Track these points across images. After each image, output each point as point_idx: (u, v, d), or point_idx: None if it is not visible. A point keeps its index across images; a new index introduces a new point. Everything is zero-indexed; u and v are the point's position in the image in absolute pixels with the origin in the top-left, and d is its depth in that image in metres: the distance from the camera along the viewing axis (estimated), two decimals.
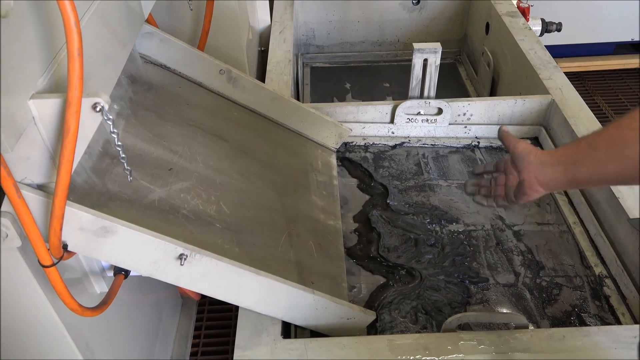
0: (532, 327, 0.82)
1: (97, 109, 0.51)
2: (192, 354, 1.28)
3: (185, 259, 0.64)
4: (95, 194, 0.67)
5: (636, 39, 2.07)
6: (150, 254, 0.64)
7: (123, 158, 0.58)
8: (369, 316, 0.75)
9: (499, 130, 0.76)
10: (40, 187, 0.58)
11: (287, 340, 0.72)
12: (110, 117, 0.52)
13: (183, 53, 0.96)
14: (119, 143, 0.56)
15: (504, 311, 0.84)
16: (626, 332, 0.72)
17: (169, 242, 0.63)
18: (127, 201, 0.70)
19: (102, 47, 0.70)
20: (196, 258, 0.65)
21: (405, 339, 0.72)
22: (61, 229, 0.56)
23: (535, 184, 0.67)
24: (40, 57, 0.54)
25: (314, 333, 0.78)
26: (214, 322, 1.38)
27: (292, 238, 0.85)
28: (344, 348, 0.71)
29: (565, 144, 0.69)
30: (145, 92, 0.89)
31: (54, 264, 0.58)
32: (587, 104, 1.14)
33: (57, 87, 0.56)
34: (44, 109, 0.52)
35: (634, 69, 2.16)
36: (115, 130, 0.54)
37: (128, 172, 0.62)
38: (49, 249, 0.58)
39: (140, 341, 1.01)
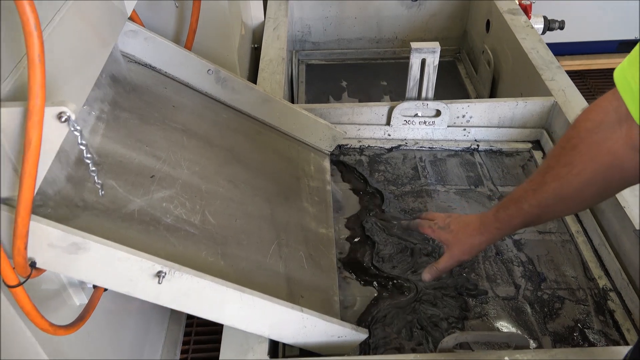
0: (534, 344, 0.78)
1: (63, 119, 0.47)
2: None
3: (164, 277, 0.60)
4: (68, 205, 0.62)
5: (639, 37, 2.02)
6: (126, 271, 0.59)
7: (93, 171, 0.54)
8: (361, 334, 0.71)
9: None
10: (6, 201, 0.54)
11: None
12: (78, 127, 0.48)
13: (169, 52, 0.92)
14: (88, 155, 0.51)
15: (504, 329, 0.80)
16: None
17: (146, 258, 0.59)
18: (103, 212, 0.65)
19: (79, 46, 0.66)
20: (176, 275, 0.60)
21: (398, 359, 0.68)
22: (26, 248, 0.51)
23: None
24: (3, 62, 0.49)
25: (303, 351, 0.74)
26: (205, 327, 1.34)
27: (281, 248, 0.81)
28: None
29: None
30: (128, 93, 0.84)
31: (20, 284, 0.54)
32: (589, 103, 1.10)
33: (23, 94, 0.51)
34: (5, 118, 0.48)
35: None
36: (84, 142, 0.49)
37: (99, 187, 0.57)
38: (14, 268, 0.53)
39: (126, 350, 0.97)
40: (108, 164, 0.72)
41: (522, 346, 0.70)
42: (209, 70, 0.94)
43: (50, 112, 0.46)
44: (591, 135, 0.56)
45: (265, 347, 0.69)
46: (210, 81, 0.95)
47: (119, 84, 0.84)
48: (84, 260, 0.57)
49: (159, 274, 0.60)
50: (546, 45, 1.24)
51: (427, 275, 0.79)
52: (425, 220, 0.82)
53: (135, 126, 0.80)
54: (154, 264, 0.59)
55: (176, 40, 1.08)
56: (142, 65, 0.91)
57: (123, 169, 0.73)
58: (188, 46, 1.04)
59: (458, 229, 0.75)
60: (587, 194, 0.59)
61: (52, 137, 0.48)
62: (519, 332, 0.79)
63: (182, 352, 1.28)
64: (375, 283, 0.86)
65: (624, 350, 0.69)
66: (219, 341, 0.70)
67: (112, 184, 0.70)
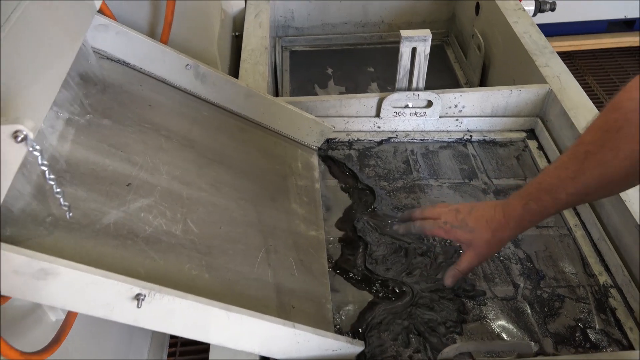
0: (536, 348, 0.75)
1: (19, 138, 0.42)
2: None
3: (143, 300, 0.55)
4: (36, 223, 0.57)
5: (629, 16, 1.98)
6: (101, 295, 0.55)
7: (58, 193, 0.48)
8: (357, 347, 0.68)
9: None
10: None
11: None
12: (37, 147, 0.42)
13: (144, 47, 0.86)
14: (52, 176, 0.46)
15: (504, 332, 0.77)
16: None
17: (122, 281, 0.54)
18: (75, 229, 0.60)
19: (43, 44, 0.60)
20: (156, 297, 0.56)
21: None
22: None
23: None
24: None
25: None
26: None
27: (269, 255, 0.77)
28: None
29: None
30: (100, 93, 0.79)
31: None
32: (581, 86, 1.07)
33: None
34: None
35: (626, 47, 2.08)
36: (45, 163, 0.44)
37: (66, 208, 0.52)
38: None
39: (110, 356, 0.93)
40: (79, 173, 0.67)
41: (526, 354, 0.67)
42: (187, 65, 0.88)
43: (4, 131, 0.41)
44: (638, 115, 0.53)
45: None
46: (189, 77, 0.89)
47: (90, 83, 0.78)
48: (53, 285, 0.52)
49: (138, 297, 0.55)
50: (539, 29, 1.19)
51: (449, 279, 0.76)
52: (429, 220, 0.78)
53: (108, 129, 0.75)
54: (132, 287, 0.54)
55: (151, 34, 1.02)
56: (115, 61, 0.85)
57: (96, 178, 0.67)
58: (164, 40, 0.98)
59: (479, 226, 0.71)
60: (634, 177, 0.56)
61: (8, 158, 0.43)
62: (521, 338, 0.76)
63: (170, 354, 1.24)
64: (369, 287, 0.83)
65: (632, 356, 0.66)
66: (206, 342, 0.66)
67: (83, 195, 0.64)
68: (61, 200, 0.51)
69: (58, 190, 0.49)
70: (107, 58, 0.85)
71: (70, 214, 0.55)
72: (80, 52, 0.74)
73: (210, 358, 0.66)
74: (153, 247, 0.66)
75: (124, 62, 0.86)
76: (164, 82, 0.89)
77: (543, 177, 0.65)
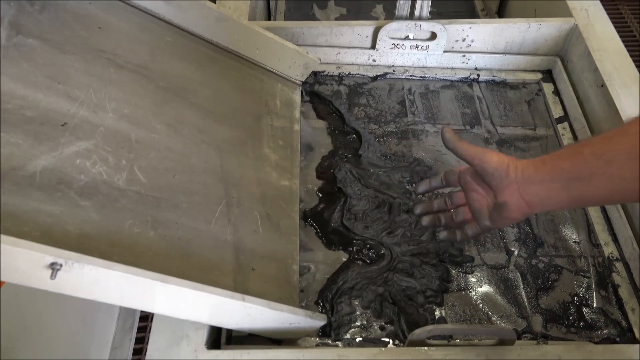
0: (523, 323, 0.67)
1: None
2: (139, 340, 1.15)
3: (59, 270, 0.47)
4: None
5: None
6: (11, 262, 0.47)
7: None
8: (318, 321, 0.60)
9: (445, 136, 0.61)
10: None
11: (212, 353, 0.58)
12: None
13: None
14: None
15: (487, 306, 0.69)
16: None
17: (33, 249, 0.46)
18: None
19: None
20: (75, 267, 0.48)
21: (360, 355, 0.57)
22: None
23: (522, 205, 0.52)
24: None
25: (253, 335, 0.63)
26: None
27: (231, 209, 0.68)
28: None
29: (555, 152, 0.52)
30: (38, 12, 0.67)
31: None
32: (609, 15, 0.92)
33: None
34: None
35: None
36: None
37: None
38: None
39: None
40: (3, 111, 0.57)
41: (508, 340, 0.59)
42: None
43: None
44: None
45: (202, 336, 0.58)
46: None
47: None
48: None
49: (53, 267, 0.47)
50: None
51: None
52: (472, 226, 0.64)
53: (44, 57, 0.63)
54: (44, 256, 0.46)
55: None
56: None
57: (22, 117, 0.57)
58: None
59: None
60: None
61: None
62: (508, 314, 0.69)
63: (140, 329, 1.17)
64: (343, 246, 0.74)
65: (629, 350, 0.58)
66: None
67: (5, 138, 0.55)
68: None
69: None
70: None
71: None
72: None
73: (153, 327, 0.59)
74: (89, 199, 0.57)
75: None
76: None
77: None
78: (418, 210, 0.71)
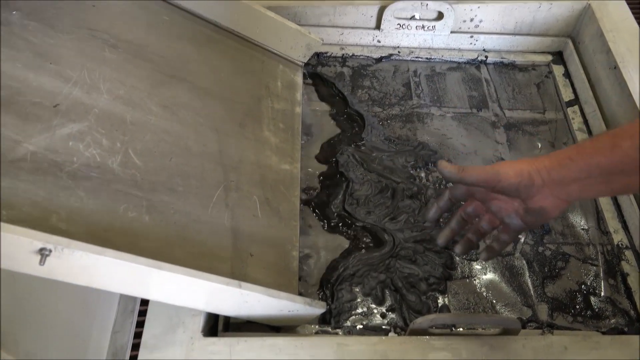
0: (528, 311, 0.66)
1: None
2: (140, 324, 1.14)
3: (48, 255, 0.46)
4: None
5: None
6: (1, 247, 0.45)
7: None
8: (317, 309, 0.59)
9: (444, 171, 0.54)
10: None
11: (209, 340, 0.56)
12: None
13: None
14: None
15: (491, 294, 0.67)
16: None
17: (21, 235, 0.44)
18: None
19: None
20: (65, 253, 0.46)
21: (359, 343, 0.56)
22: None
23: (558, 204, 0.50)
24: None
25: (251, 322, 0.62)
26: None
27: (229, 194, 0.66)
28: (279, 353, 0.55)
29: (579, 145, 0.49)
30: None
31: None
32: (634, 13, 0.89)
33: None
34: None
35: None
36: None
37: None
38: None
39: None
40: None
41: (512, 330, 0.57)
42: None
43: None
44: None
45: (198, 323, 0.57)
46: None
47: None
48: None
49: (42, 252, 0.45)
50: None
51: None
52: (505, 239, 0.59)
53: (36, 35, 0.61)
54: (32, 241, 0.45)
55: None
56: None
57: (13, 98, 0.56)
58: None
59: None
60: None
61: None
62: (513, 302, 0.67)
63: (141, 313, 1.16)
64: (345, 232, 0.73)
65: (637, 339, 0.56)
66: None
67: None
68: None
69: None
70: None
71: None
72: None
73: (148, 313, 0.58)
74: (81, 183, 0.55)
75: None
76: None
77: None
78: (442, 240, 0.61)
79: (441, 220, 0.62)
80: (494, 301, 0.67)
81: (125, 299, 1.15)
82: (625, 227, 0.73)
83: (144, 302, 1.17)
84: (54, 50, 0.62)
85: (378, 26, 0.90)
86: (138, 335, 1.13)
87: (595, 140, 0.48)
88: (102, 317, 1.09)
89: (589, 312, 0.67)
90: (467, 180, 0.53)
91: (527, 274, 0.70)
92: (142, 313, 1.15)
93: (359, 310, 0.66)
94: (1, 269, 0.48)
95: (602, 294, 0.68)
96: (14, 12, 0.61)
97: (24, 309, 0.83)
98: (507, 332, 0.57)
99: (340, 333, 0.63)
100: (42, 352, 0.79)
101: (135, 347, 1.10)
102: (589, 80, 0.86)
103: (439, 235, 0.62)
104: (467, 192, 0.57)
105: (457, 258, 0.71)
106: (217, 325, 0.61)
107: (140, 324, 1.13)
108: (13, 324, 0.79)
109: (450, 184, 0.60)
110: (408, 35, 0.91)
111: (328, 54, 0.92)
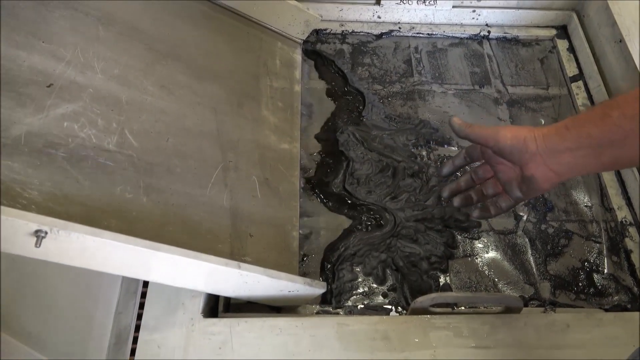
0: (530, 289, 0.65)
1: None
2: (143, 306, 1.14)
3: (44, 237, 0.45)
4: None
5: None
6: None
7: None
8: (317, 289, 0.58)
9: (455, 126, 0.58)
10: None
11: (209, 321, 0.56)
12: None
13: None
14: None
15: (493, 272, 0.67)
16: None
17: (16, 217, 0.44)
18: None
19: None
20: (61, 235, 0.46)
21: (360, 323, 0.56)
22: None
23: (550, 176, 0.49)
24: None
25: (251, 302, 0.62)
26: None
27: (227, 174, 0.65)
28: (279, 334, 0.55)
29: (577, 116, 0.48)
30: None
31: None
32: None
33: None
34: None
35: None
36: None
37: None
38: None
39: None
40: None
41: (514, 308, 0.57)
42: None
43: None
44: None
45: (198, 304, 0.57)
46: None
47: None
48: None
49: (37, 234, 0.45)
50: None
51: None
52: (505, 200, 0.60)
53: (27, 13, 0.60)
54: (27, 223, 0.44)
55: None
56: None
57: (4, 78, 0.55)
58: None
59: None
60: None
61: None
62: (515, 281, 0.66)
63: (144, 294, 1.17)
64: (346, 211, 0.72)
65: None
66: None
67: None
68: None
69: None
70: None
71: None
72: None
73: (148, 295, 0.58)
74: (77, 164, 0.55)
75: None
76: None
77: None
78: (446, 193, 0.64)
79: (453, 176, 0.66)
80: (496, 279, 0.67)
81: (127, 280, 1.15)
82: (629, 203, 0.72)
83: (147, 284, 1.17)
84: (46, 28, 0.61)
85: (378, 1, 0.88)
86: (141, 316, 1.14)
87: (590, 110, 0.48)
88: (105, 298, 1.09)
89: (591, 290, 0.66)
90: (471, 135, 0.56)
91: (529, 251, 0.69)
92: (145, 294, 1.16)
93: (360, 290, 0.66)
94: (0, 252, 0.47)
95: (605, 271, 0.67)
96: None
97: (27, 291, 0.83)
98: (509, 310, 0.57)
99: (341, 313, 0.63)
100: (47, 333, 0.79)
101: (139, 328, 1.11)
102: (594, 55, 0.84)
103: (444, 189, 0.65)
104: (481, 153, 0.59)
105: (459, 237, 0.70)
106: (217, 306, 0.61)
107: (143, 306, 1.14)
108: (16, 304, 0.79)
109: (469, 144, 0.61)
110: (409, 11, 0.89)
111: (327, 31, 0.91)
